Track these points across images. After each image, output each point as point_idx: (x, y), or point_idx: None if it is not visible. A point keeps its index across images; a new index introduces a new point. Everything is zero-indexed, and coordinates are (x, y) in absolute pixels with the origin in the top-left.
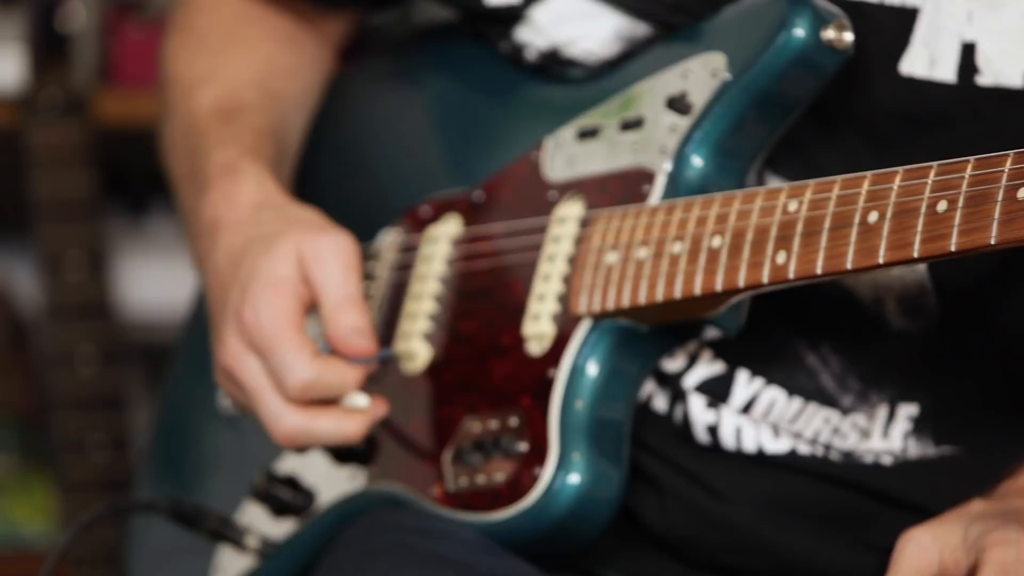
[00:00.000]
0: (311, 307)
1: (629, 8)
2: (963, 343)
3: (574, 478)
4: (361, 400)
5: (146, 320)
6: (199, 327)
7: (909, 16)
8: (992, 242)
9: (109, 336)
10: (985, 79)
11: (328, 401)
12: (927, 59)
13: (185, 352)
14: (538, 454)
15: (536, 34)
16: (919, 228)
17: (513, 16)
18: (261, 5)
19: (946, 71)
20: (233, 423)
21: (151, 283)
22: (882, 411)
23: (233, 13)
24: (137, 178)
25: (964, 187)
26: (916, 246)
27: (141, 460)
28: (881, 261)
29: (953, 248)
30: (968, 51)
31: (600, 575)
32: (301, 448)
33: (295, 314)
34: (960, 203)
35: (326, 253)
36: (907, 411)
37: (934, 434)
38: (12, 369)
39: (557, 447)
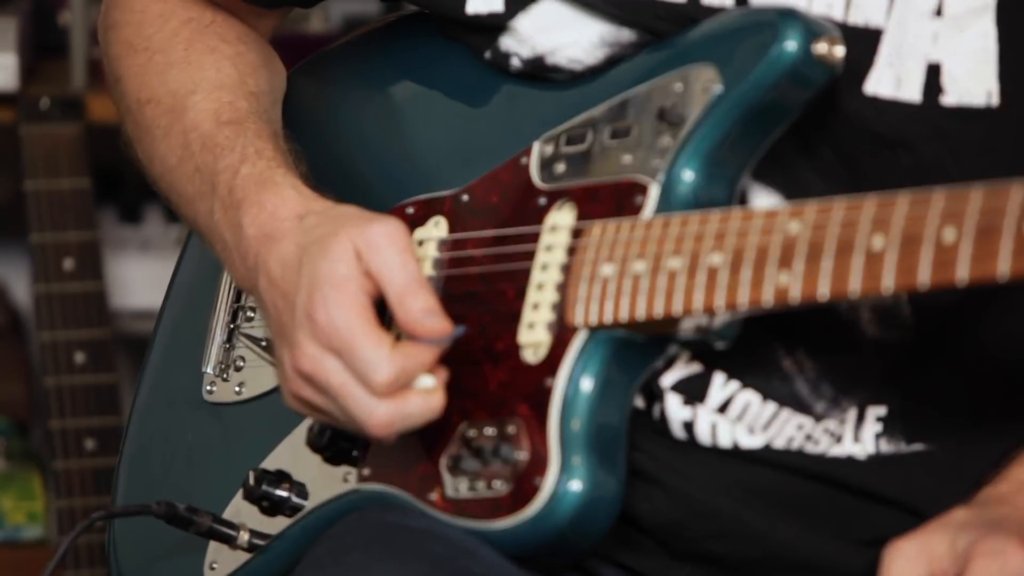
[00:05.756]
0: (378, 297)
1: (613, 16)
2: (934, 352)
3: (576, 486)
4: (428, 381)
5: (140, 319)
6: (174, 319)
7: (873, 37)
8: (1003, 273)
9: (103, 336)
10: (949, 99)
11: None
12: (893, 79)
13: (162, 344)
14: (538, 463)
15: (520, 43)
16: (927, 257)
17: (496, 26)
18: (208, 11)
19: (912, 91)
20: (218, 415)
21: (146, 283)
22: (851, 414)
23: (184, 23)
24: (131, 178)
25: (973, 216)
26: (925, 275)
27: (120, 457)
28: (890, 290)
29: (964, 279)
30: (933, 71)
31: (593, 570)
32: (395, 435)
33: (366, 309)
34: (969, 233)
35: (380, 241)
36: (875, 412)
37: (904, 434)
38: (7, 367)
39: (558, 456)
